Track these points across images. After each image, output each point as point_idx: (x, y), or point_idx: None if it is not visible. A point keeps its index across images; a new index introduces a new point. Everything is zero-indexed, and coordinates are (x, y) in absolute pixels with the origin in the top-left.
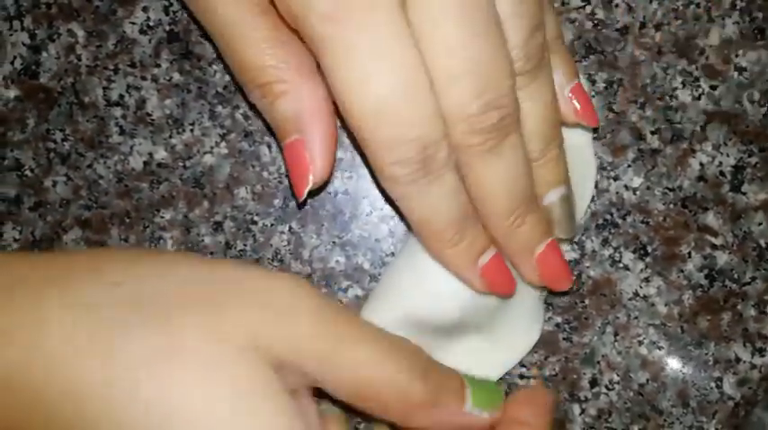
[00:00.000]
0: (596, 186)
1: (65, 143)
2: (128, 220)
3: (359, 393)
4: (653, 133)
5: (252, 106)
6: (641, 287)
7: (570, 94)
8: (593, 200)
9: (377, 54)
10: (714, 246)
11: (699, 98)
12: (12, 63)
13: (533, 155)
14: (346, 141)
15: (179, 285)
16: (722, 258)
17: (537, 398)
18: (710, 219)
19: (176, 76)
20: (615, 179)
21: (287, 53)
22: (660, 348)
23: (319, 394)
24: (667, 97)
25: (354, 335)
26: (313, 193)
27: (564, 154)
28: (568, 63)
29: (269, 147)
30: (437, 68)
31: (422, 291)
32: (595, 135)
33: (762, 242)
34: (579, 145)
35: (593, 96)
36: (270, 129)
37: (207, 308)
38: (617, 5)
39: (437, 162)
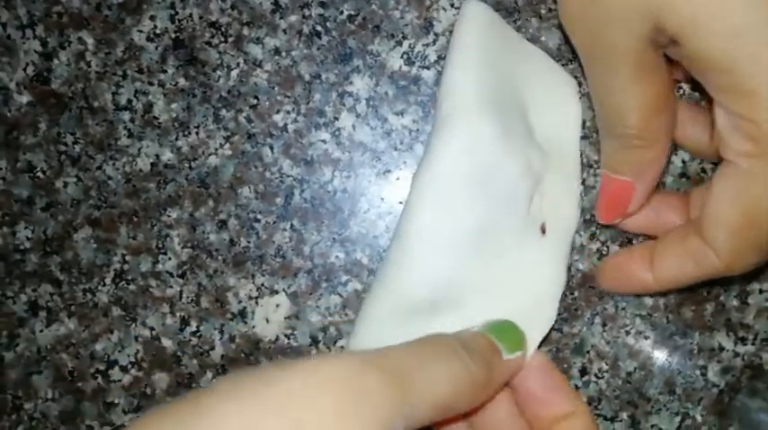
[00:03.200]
0: (583, 183)
1: (75, 146)
2: (136, 219)
3: (446, 412)
4: None
5: (254, 109)
6: None
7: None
8: (581, 196)
9: None
10: None
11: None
12: (24, 70)
13: None
14: (345, 142)
15: None
16: None
17: (547, 374)
18: None
19: (182, 81)
20: None
21: (659, 123)
22: (647, 338)
23: None
24: None
25: (408, 368)
26: (313, 193)
27: None
28: None
29: (271, 148)
30: None
31: (406, 274)
32: (582, 134)
33: None
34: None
35: (581, 97)
36: (271, 133)
37: None
38: None
39: None
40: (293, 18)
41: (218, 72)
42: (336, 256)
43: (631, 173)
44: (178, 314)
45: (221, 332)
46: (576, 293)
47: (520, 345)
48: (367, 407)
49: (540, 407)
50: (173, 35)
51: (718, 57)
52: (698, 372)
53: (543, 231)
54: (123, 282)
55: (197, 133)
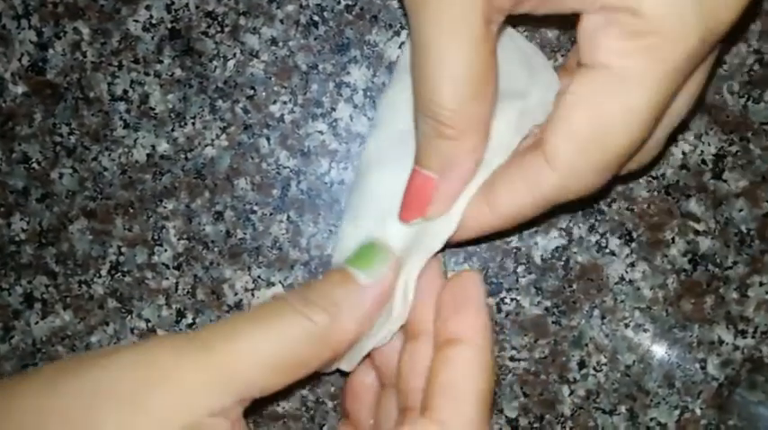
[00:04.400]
0: None
1: (71, 137)
2: (131, 211)
3: (289, 370)
4: None
5: (251, 99)
6: (627, 272)
7: None
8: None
9: None
10: (697, 232)
11: None
12: (19, 60)
13: None
14: (343, 133)
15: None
16: (705, 243)
17: (464, 290)
18: (693, 205)
19: (178, 72)
20: None
21: (477, 109)
22: (646, 331)
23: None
24: None
25: (231, 332)
26: (310, 185)
27: None
28: None
29: (267, 139)
30: None
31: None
32: None
33: (743, 227)
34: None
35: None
36: (268, 124)
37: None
38: None
39: None
40: (290, 8)
41: (215, 62)
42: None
43: (437, 167)
44: (174, 306)
45: None
46: (575, 286)
47: (371, 262)
48: (168, 397)
49: (437, 322)
50: (169, 25)
51: None
52: (697, 366)
53: None
54: (119, 274)
55: (193, 124)
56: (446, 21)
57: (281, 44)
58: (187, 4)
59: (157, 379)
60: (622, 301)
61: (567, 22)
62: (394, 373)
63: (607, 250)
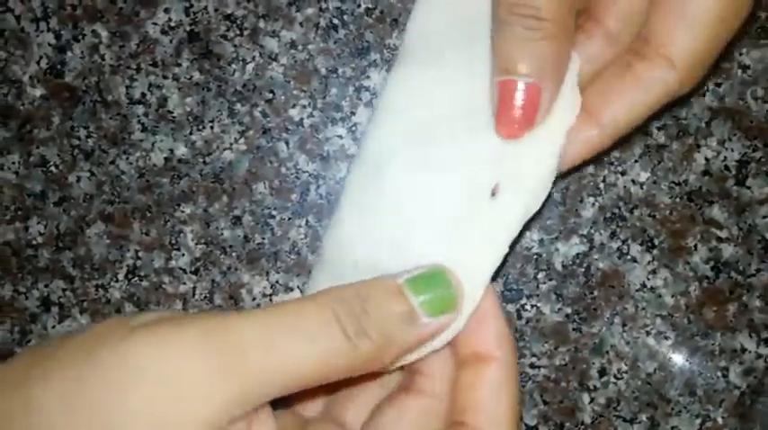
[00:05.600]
0: (604, 180)
1: (89, 140)
2: (149, 215)
3: (318, 382)
4: (659, 129)
5: (270, 103)
6: (648, 279)
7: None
8: (600, 193)
9: None
10: (719, 239)
11: (704, 95)
12: (38, 63)
13: None
14: (360, 137)
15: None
16: (727, 250)
17: (490, 319)
18: (716, 212)
19: (197, 75)
20: (623, 174)
21: (569, 7)
22: (667, 338)
23: None
24: None
25: (272, 346)
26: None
27: None
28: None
29: (286, 143)
30: None
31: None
32: None
33: (766, 234)
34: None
35: None
36: (287, 128)
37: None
38: None
39: None
40: (310, 11)
41: (234, 66)
42: None
43: (536, 71)
44: (191, 311)
45: None
46: (596, 292)
47: (443, 310)
48: (188, 402)
49: (460, 337)
50: (187, 28)
51: None
52: (719, 374)
53: (494, 193)
54: (136, 279)
55: (211, 128)
56: None
57: (300, 47)
58: (206, 7)
59: (183, 389)
60: (644, 309)
61: None
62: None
63: (628, 257)
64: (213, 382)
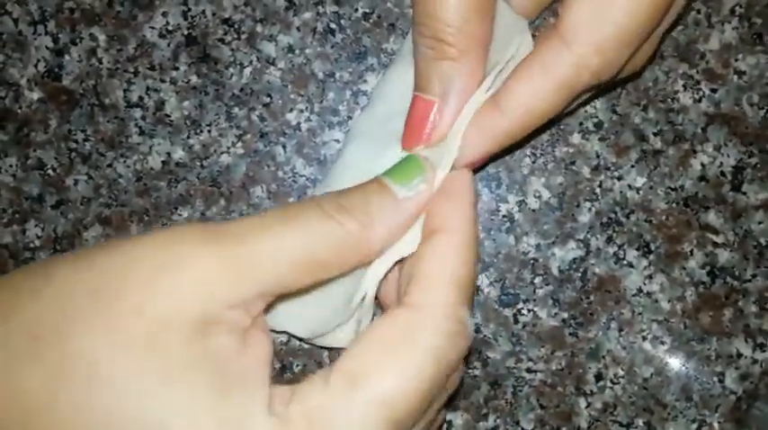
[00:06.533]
0: (600, 185)
1: (86, 143)
2: (147, 218)
3: (314, 270)
4: (655, 134)
5: (267, 107)
6: (645, 284)
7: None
8: (597, 198)
9: None
10: (715, 244)
11: (700, 101)
12: (35, 66)
13: None
14: None
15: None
16: (723, 256)
17: (455, 184)
18: (712, 217)
19: (194, 79)
20: (619, 179)
21: (480, 28)
22: (663, 343)
23: None
24: (669, 100)
25: (262, 227)
26: None
27: None
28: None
29: (284, 147)
30: None
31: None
32: (600, 136)
33: (762, 240)
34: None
35: (597, 98)
36: (284, 132)
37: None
38: None
39: None
40: (307, 15)
41: (231, 70)
42: None
43: (438, 90)
44: None
45: None
46: (592, 297)
47: (412, 176)
48: (185, 284)
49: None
50: (185, 32)
51: None
52: (715, 379)
53: None
54: None
55: (209, 131)
56: None
57: (297, 52)
58: (204, 11)
59: (176, 264)
60: (640, 314)
61: None
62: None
63: (625, 262)
64: (209, 264)
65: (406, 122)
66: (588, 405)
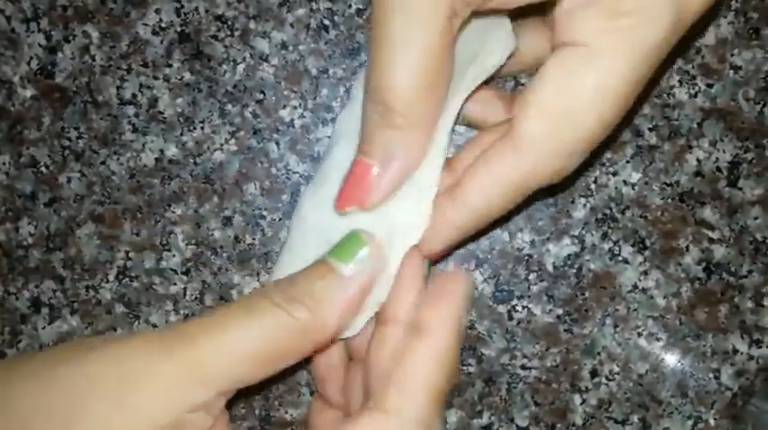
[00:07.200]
0: (595, 181)
1: (79, 140)
2: (140, 215)
3: (270, 363)
4: (651, 130)
5: (260, 104)
6: (640, 280)
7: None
8: (591, 194)
9: None
10: (711, 240)
11: (695, 96)
12: (28, 63)
13: None
14: None
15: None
16: (719, 252)
17: (446, 285)
18: (707, 213)
19: (187, 76)
20: (614, 174)
21: (431, 101)
22: (659, 340)
23: None
24: (665, 95)
25: (215, 326)
26: None
27: None
28: None
29: (277, 144)
30: None
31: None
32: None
33: (758, 236)
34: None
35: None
36: (277, 128)
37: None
38: None
39: None
40: (301, 12)
41: (224, 66)
42: None
43: (380, 157)
44: (182, 312)
45: None
46: (587, 294)
47: (353, 252)
48: (149, 395)
49: (393, 304)
50: (178, 29)
51: None
52: (711, 375)
53: None
54: (126, 279)
55: (202, 128)
56: (412, 8)
57: (291, 48)
58: (197, 8)
59: (139, 375)
60: (635, 310)
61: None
62: (364, 350)
63: (620, 258)
64: (168, 373)
65: (342, 183)
66: (583, 401)
